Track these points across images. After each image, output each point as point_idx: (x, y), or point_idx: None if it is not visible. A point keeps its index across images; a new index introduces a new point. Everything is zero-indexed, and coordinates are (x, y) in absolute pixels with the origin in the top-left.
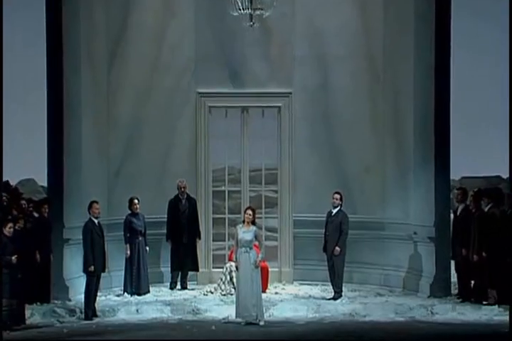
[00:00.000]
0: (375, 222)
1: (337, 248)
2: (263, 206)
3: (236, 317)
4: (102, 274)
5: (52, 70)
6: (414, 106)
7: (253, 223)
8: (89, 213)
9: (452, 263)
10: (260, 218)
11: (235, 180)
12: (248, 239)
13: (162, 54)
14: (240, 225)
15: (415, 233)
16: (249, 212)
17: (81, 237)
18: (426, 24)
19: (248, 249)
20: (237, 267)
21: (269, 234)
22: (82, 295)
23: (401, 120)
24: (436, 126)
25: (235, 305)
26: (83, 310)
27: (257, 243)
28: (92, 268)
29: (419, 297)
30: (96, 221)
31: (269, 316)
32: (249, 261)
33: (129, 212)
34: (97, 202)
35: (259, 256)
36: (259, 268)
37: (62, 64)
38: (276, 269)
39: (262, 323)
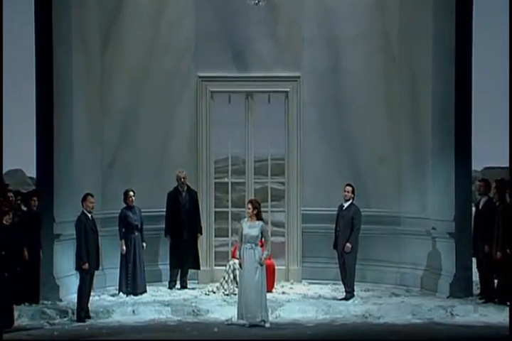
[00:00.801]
0: (390, 217)
1: (348, 244)
2: (269, 199)
3: (238, 318)
4: (96, 272)
5: (42, 54)
6: (432, 89)
7: (259, 217)
8: (83, 206)
9: (474, 260)
10: (266, 212)
11: (239, 170)
12: (254, 234)
13: (159, 34)
14: (245, 219)
15: (434, 228)
16: (249, 205)
17: (73, 232)
18: None
19: (253, 245)
20: (240, 264)
21: (275, 229)
22: (74, 295)
23: (418, 105)
24: (456, 112)
25: (237, 306)
26: (75, 311)
27: (263, 239)
28: (86, 265)
29: (438, 297)
30: (89, 215)
31: (276, 318)
32: (254, 258)
33: (125, 205)
34: (91, 195)
35: (265, 253)
36: (265, 266)
37: (52, 47)
38: (284, 267)
39: (267, 325)
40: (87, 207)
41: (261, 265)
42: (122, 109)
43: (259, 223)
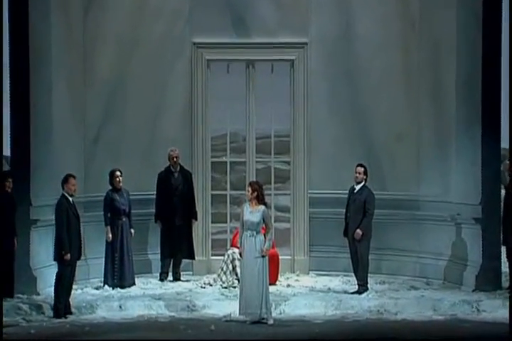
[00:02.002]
0: (408, 200)
1: (358, 230)
2: (272, 181)
3: (239, 314)
4: (78, 263)
5: (16, 18)
6: (456, 59)
7: (261, 201)
8: (64, 189)
9: (503, 249)
10: (269, 195)
11: (239, 149)
12: (255, 220)
13: None
14: (247, 204)
15: (458, 214)
16: (248, 188)
17: (52, 218)
18: None
19: (255, 232)
20: (241, 254)
21: (279, 214)
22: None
23: (440, 76)
24: (483, 84)
25: (238, 300)
26: (54, 307)
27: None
28: (68, 256)
29: (463, 291)
30: (71, 198)
31: (280, 313)
32: (255, 248)
33: (110, 187)
34: (73, 177)
35: (266, 243)
36: (267, 257)
37: (28, 11)
38: (289, 257)
39: (270, 322)
40: (68, 189)
41: (262, 256)
42: (107, 80)
43: (261, 208)
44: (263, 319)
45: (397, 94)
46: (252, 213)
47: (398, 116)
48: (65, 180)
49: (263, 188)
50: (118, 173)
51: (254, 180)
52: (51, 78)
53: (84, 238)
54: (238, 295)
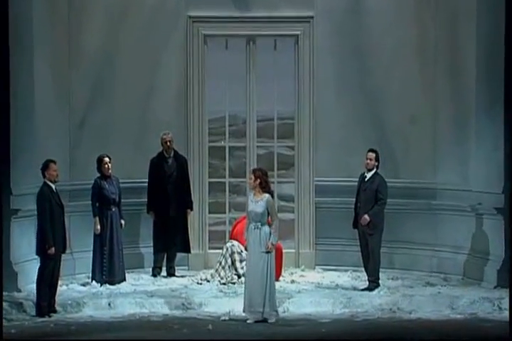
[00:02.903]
0: (424, 189)
1: (365, 216)
2: (275, 167)
3: (243, 311)
4: (63, 256)
5: None
6: (476, 33)
7: (265, 190)
8: (44, 176)
9: None
10: (272, 183)
11: (239, 132)
12: (258, 211)
13: None
14: (252, 193)
15: (479, 203)
16: (251, 175)
17: (34, 207)
18: None
19: (259, 224)
20: (246, 247)
21: (283, 204)
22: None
23: (459, 52)
24: (506, 60)
25: (243, 297)
26: (36, 305)
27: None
28: (52, 250)
29: (484, 287)
30: (53, 186)
31: (284, 312)
32: (260, 241)
33: (99, 174)
34: (54, 162)
35: (271, 237)
36: (274, 252)
37: None
38: (293, 250)
39: (271, 321)
40: (50, 176)
41: (267, 252)
42: (94, 59)
43: (265, 196)
44: (266, 319)
45: (411, 72)
46: (255, 203)
47: (412, 96)
48: (46, 166)
49: (267, 175)
50: (107, 159)
51: (257, 166)
52: (33, 55)
53: (70, 229)
54: (243, 292)
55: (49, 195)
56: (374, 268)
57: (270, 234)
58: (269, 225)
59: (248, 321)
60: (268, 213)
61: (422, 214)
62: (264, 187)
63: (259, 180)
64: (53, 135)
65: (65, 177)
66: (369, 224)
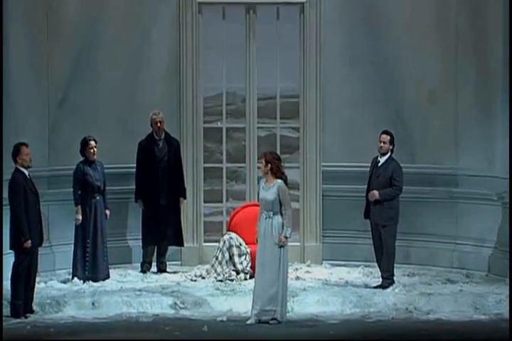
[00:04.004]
0: (444, 175)
1: (374, 191)
2: (278, 151)
3: (253, 310)
4: (41, 250)
5: None
6: (503, 6)
7: (277, 175)
8: (16, 162)
9: None
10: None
11: (238, 112)
12: (269, 199)
13: None
14: (264, 180)
15: (506, 191)
16: (261, 160)
17: (7, 196)
18: None
19: (271, 213)
20: (257, 239)
21: None
22: (9, 282)
23: (483, 21)
24: None
25: (252, 294)
26: (11, 304)
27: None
28: (28, 243)
29: None
30: (27, 172)
31: (288, 312)
32: (272, 232)
33: (82, 158)
34: (26, 145)
35: (284, 229)
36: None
37: None
38: (298, 244)
39: (272, 322)
40: (22, 161)
41: (279, 247)
42: (77, 28)
43: (277, 182)
44: (273, 319)
45: (430, 44)
46: (266, 190)
47: (431, 71)
48: (16, 151)
49: (280, 159)
50: (93, 143)
51: (269, 151)
52: (7, 26)
53: (49, 220)
54: (253, 288)
55: (23, 182)
56: (388, 263)
57: (283, 225)
58: (282, 215)
59: (248, 322)
60: (280, 202)
61: (442, 203)
62: (276, 172)
63: (270, 165)
64: (30, 115)
65: (43, 161)
66: (376, 201)
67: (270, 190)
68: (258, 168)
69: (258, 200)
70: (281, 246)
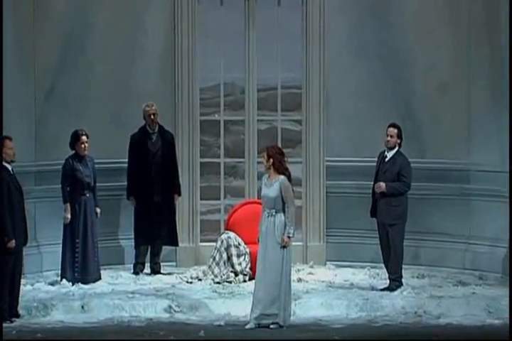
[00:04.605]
0: (456, 171)
1: (381, 183)
2: (279, 145)
3: (253, 313)
4: (27, 251)
5: None
6: None
7: (280, 171)
8: None
9: None
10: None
11: (236, 104)
12: (271, 195)
13: None
14: (266, 176)
15: None
16: (263, 154)
17: None
18: None
19: (273, 211)
20: (258, 238)
21: None
22: None
23: (496, 11)
24: None
25: (252, 296)
26: None
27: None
28: (12, 243)
29: None
30: (10, 167)
31: (290, 316)
32: (274, 231)
33: (72, 153)
34: (9, 139)
35: (287, 228)
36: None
37: None
38: (300, 243)
39: (273, 326)
40: (5, 156)
41: (282, 247)
42: (65, 15)
43: (279, 178)
44: (274, 323)
45: (441, 32)
46: (268, 186)
47: (442, 61)
48: None
49: (283, 154)
50: (84, 138)
51: (271, 145)
52: None
53: (36, 218)
54: (253, 290)
55: (7, 178)
56: (396, 264)
57: (285, 224)
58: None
59: (247, 326)
60: (282, 198)
61: (453, 201)
62: (279, 168)
63: (272, 160)
64: (15, 106)
65: (29, 156)
66: (383, 195)
67: (272, 186)
68: (258, 163)
69: (260, 197)
70: (284, 247)
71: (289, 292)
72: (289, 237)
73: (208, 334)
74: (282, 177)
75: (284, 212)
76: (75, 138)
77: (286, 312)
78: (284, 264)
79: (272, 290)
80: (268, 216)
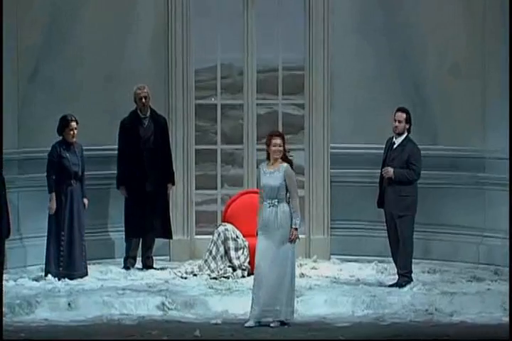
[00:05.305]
0: (470, 158)
1: (389, 168)
2: (280, 130)
3: (254, 311)
4: (9, 243)
5: None
6: None
7: (284, 158)
8: None
9: None
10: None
11: (234, 86)
12: (274, 184)
13: None
14: (264, 164)
15: None
16: (278, 141)
17: None
18: None
19: (275, 201)
20: (257, 231)
21: None
22: None
23: None
24: None
25: (252, 292)
26: None
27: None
28: None
29: None
30: None
31: (292, 312)
32: (276, 222)
33: (59, 139)
34: None
35: (293, 219)
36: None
37: None
38: (303, 236)
39: (273, 325)
40: None
41: (291, 240)
42: None
43: (283, 166)
44: (274, 321)
45: (454, 8)
46: (269, 174)
47: (455, 40)
48: None
49: (285, 140)
50: (74, 124)
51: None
52: None
53: (19, 209)
54: (253, 286)
55: None
56: (405, 258)
57: (291, 216)
58: (288, 203)
59: (247, 324)
60: (286, 188)
61: (467, 190)
62: (285, 155)
63: (283, 147)
64: None
65: (12, 143)
66: (391, 181)
67: (274, 174)
68: (257, 150)
69: (259, 187)
70: (292, 240)
71: (293, 287)
72: (296, 229)
73: (204, 333)
74: (285, 164)
75: (286, 202)
76: (64, 124)
77: (289, 309)
78: (290, 258)
79: (276, 287)
80: (269, 206)
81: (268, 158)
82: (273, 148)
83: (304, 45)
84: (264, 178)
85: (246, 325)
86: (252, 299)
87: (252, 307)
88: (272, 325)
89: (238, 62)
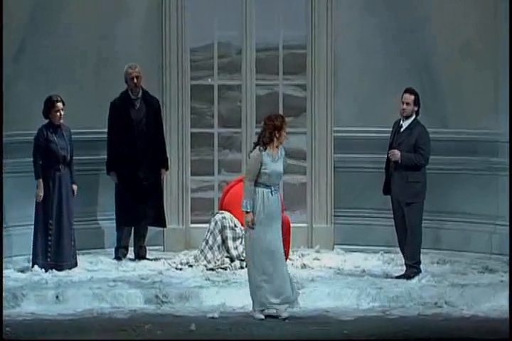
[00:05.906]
0: (483, 142)
1: (396, 150)
2: (281, 113)
3: (255, 308)
4: None
5: None
6: None
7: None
8: None
9: None
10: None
11: (232, 66)
12: (280, 170)
13: None
14: (265, 149)
15: None
16: (281, 123)
17: None
18: None
19: (277, 188)
20: (252, 222)
21: (291, 162)
22: None
23: None
24: None
25: (250, 288)
26: None
27: None
28: None
29: None
30: None
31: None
32: (278, 210)
33: (45, 122)
34: None
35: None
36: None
37: None
38: (305, 225)
39: (284, 315)
40: None
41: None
42: None
43: (281, 150)
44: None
45: None
46: (275, 161)
47: (467, 17)
48: None
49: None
50: (60, 105)
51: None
52: None
53: (3, 196)
54: (251, 282)
55: None
56: (413, 248)
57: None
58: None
59: (259, 316)
60: None
61: (479, 176)
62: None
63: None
64: None
65: None
66: (397, 165)
67: (279, 160)
68: (257, 133)
69: (261, 173)
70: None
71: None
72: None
73: (200, 327)
74: (281, 147)
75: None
76: (49, 105)
77: (295, 293)
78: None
79: (281, 277)
80: (272, 194)
81: (264, 142)
82: (284, 134)
83: (306, 21)
84: (272, 165)
85: (259, 316)
86: (253, 291)
87: (253, 300)
88: (283, 315)
89: (236, 40)
